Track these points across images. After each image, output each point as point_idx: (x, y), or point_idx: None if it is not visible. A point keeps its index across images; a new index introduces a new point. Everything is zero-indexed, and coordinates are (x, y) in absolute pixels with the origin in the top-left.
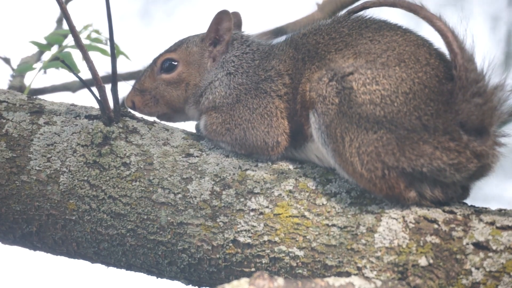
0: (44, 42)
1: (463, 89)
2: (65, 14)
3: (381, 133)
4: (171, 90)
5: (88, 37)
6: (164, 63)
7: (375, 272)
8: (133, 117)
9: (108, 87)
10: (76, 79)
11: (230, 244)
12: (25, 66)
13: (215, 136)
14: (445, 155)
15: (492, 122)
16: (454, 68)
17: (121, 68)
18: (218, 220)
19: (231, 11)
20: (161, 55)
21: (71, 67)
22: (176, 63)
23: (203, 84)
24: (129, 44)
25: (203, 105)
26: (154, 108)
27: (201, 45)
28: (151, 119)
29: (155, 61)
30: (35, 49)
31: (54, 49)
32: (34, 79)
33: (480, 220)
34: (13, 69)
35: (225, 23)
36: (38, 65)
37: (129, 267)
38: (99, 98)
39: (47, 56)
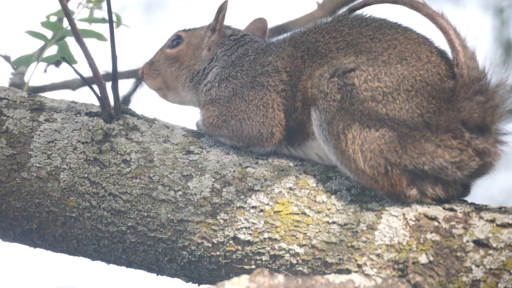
0: (41, 33)
1: (465, 87)
2: (65, 10)
3: (383, 130)
4: (167, 65)
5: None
6: (174, 39)
7: (375, 270)
8: (133, 114)
9: (108, 85)
10: (76, 76)
11: (231, 241)
12: (23, 58)
13: (213, 130)
14: (447, 153)
15: (494, 120)
16: (456, 66)
17: (122, 66)
18: (218, 217)
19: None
20: (178, 31)
21: (70, 62)
22: (181, 41)
23: (194, 69)
24: (130, 42)
25: (201, 95)
26: (153, 80)
27: (205, 31)
28: (152, 116)
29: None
30: (37, 47)
31: (53, 44)
32: (35, 76)
33: (481, 217)
34: (13, 67)
35: (221, 13)
36: (39, 63)
37: (129, 264)
38: (99, 95)
39: (48, 53)
